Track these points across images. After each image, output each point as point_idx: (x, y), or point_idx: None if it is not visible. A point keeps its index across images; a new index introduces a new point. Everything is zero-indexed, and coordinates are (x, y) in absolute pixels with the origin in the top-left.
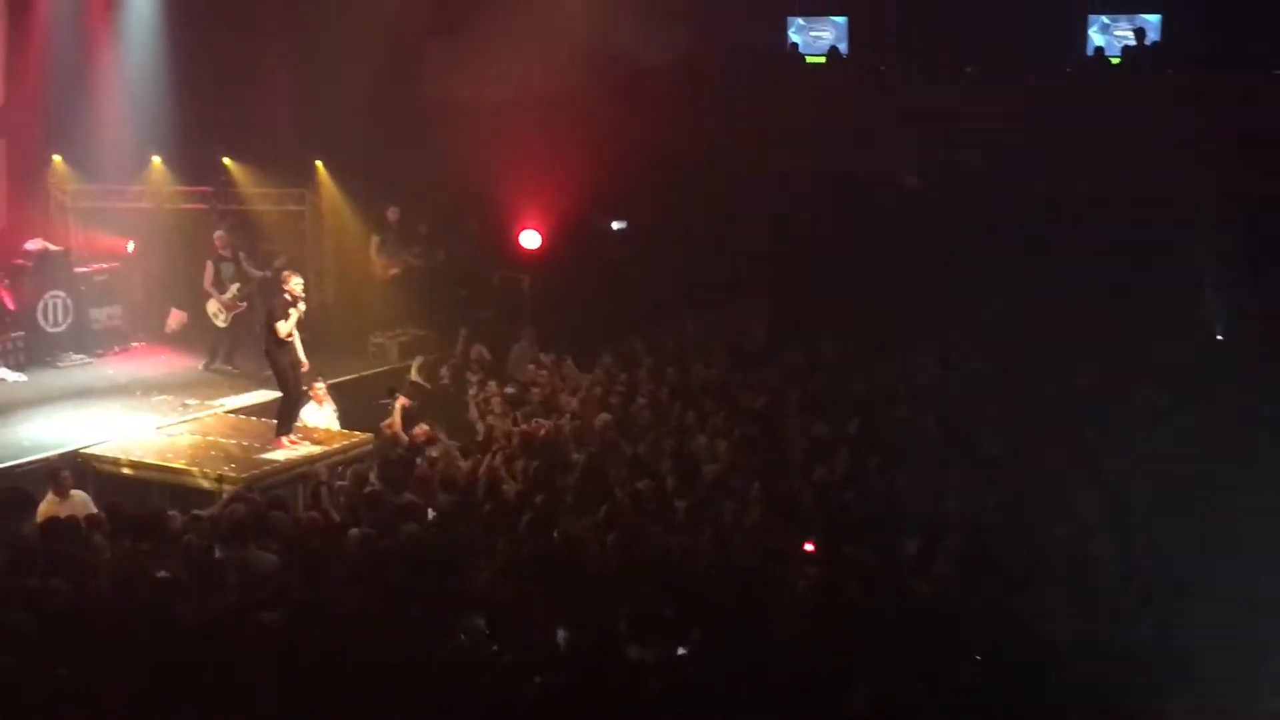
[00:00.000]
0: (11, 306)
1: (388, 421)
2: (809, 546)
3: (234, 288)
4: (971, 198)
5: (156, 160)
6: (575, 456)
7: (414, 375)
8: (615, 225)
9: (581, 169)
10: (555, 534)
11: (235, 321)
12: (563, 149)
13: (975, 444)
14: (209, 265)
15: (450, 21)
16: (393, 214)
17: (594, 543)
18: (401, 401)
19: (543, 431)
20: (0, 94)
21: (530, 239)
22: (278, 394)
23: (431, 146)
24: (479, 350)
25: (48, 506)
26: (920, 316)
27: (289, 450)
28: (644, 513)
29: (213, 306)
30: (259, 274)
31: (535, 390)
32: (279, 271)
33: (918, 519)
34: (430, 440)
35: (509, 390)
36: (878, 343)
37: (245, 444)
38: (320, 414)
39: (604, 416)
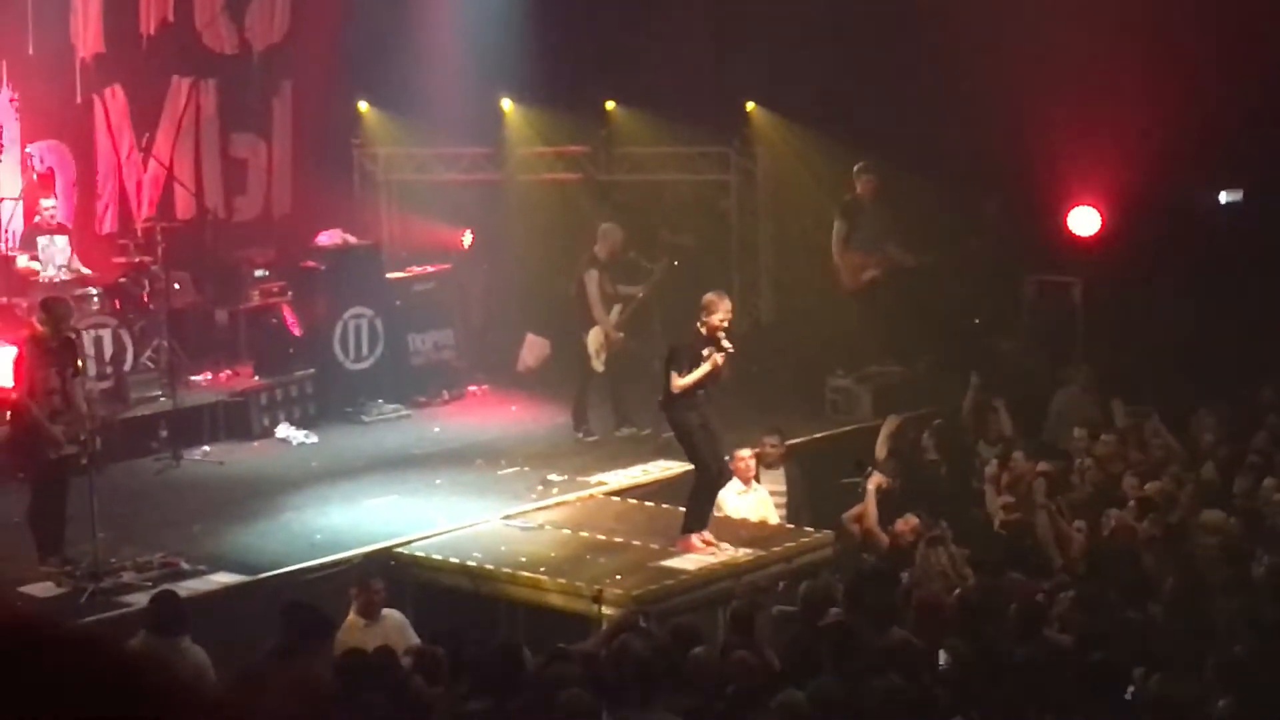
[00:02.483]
0: (297, 332)
1: (856, 512)
2: None
3: (616, 310)
4: None
5: (508, 107)
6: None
7: (886, 440)
8: (1224, 196)
9: (1168, 109)
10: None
11: (612, 361)
12: (1137, 76)
13: None
14: (592, 274)
15: None
16: (866, 184)
17: None
18: (877, 482)
19: (1108, 532)
20: (285, 19)
21: (1085, 221)
22: (686, 468)
23: (927, 76)
24: (996, 409)
25: (349, 632)
26: None
27: (703, 555)
28: None
29: (594, 338)
30: (634, 290)
31: (1089, 467)
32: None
33: None
34: (923, 539)
35: (1045, 467)
36: None
37: (637, 544)
38: (750, 499)
39: (1212, 515)
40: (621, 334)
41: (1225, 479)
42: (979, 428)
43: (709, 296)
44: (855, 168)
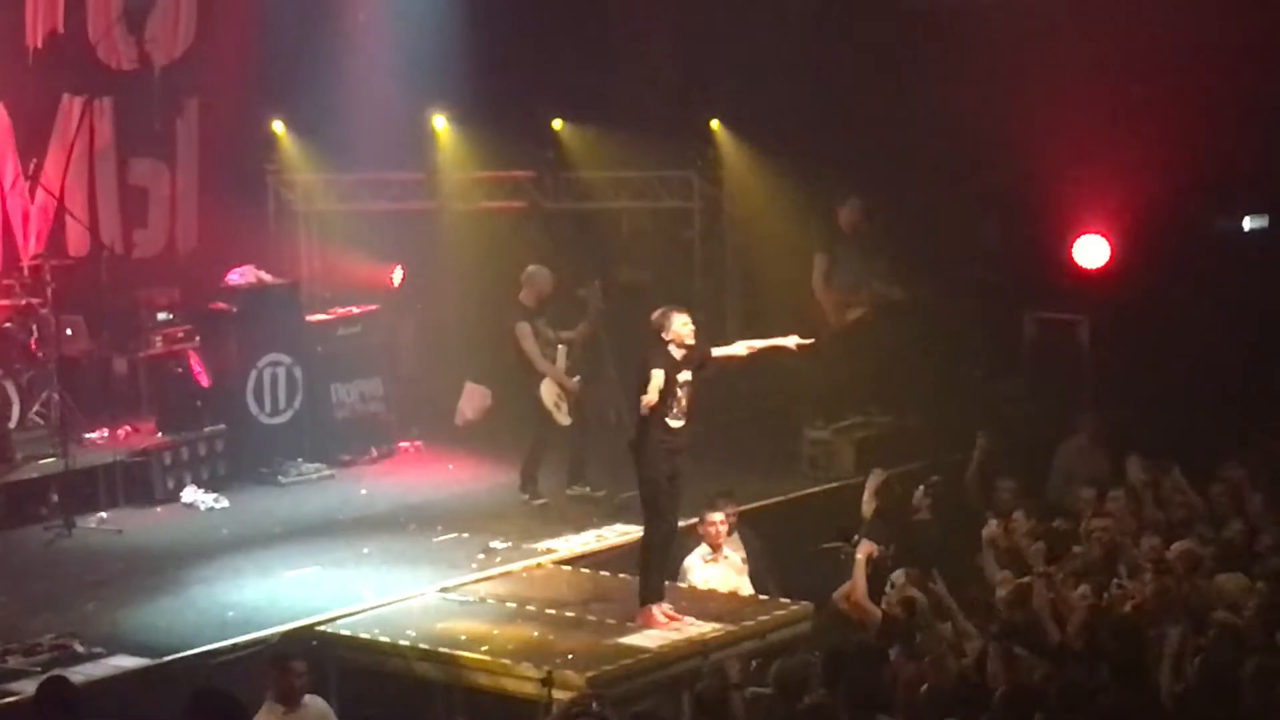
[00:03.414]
0: (205, 383)
1: (847, 589)
2: None
3: (563, 354)
4: None
5: (442, 127)
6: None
7: (872, 498)
8: (1249, 223)
9: (1183, 127)
10: None
11: (578, 411)
12: (1152, 91)
13: None
14: (523, 328)
15: None
16: (850, 213)
17: None
18: (867, 551)
19: (1127, 605)
20: (190, 29)
21: (1092, 251)
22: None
23: (915, 93)
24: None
25: None
26: None
27: (666, 630)
28: None
29: (549, 391)
30: (582, 326)
31: (1099, 528)
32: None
33: None
34: (914, 609)
35: (1054, 525)
36: None
37: (592, 619)
38: (719, 568)
39: (1234, 579)
40: (578, 378)
41: (1250, 539)
42: (985, 497)
43: (655, 314)
44: (838, 195)
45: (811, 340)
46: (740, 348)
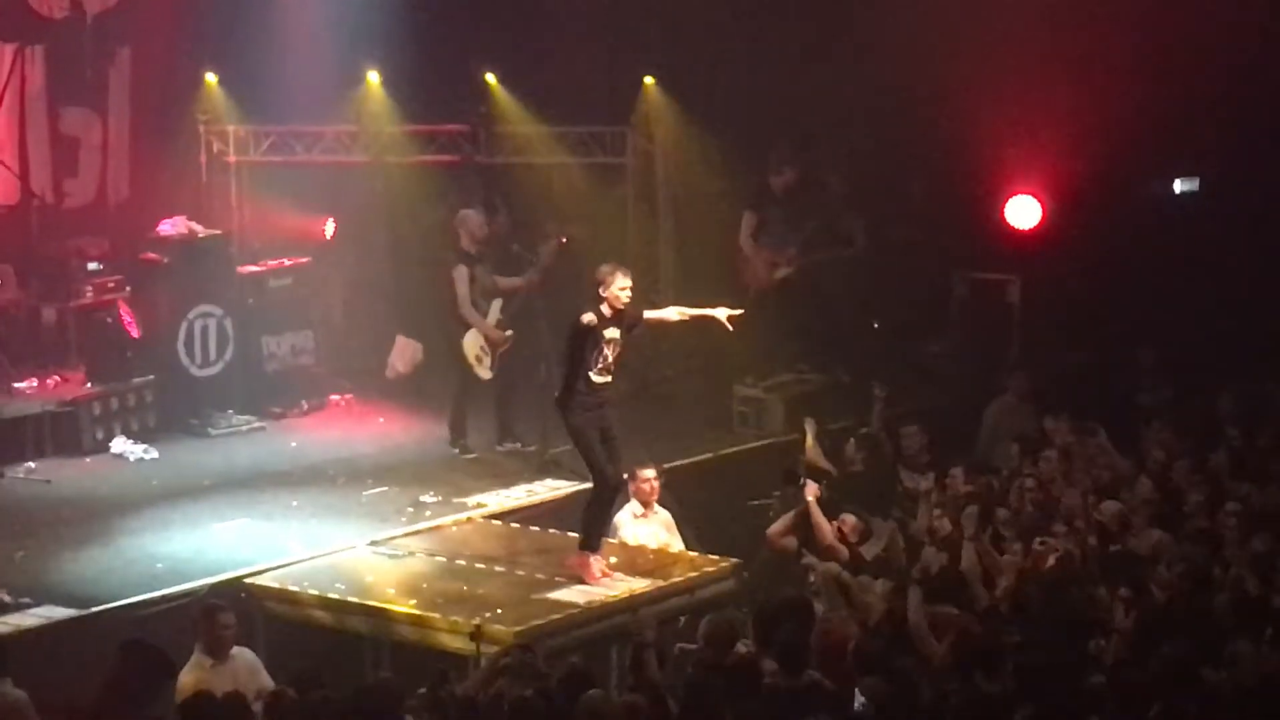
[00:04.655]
0: (135, 333)
1: (783, 526)
2: None
3: (496, 307)
4: None
5: (373, 80)
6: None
7: (809, 451)
8: (1180, 185)
9: (1116, 88)
10: None
11: (504, 365)
12: (1081, 51)
13: None
14: (461, 271)
15: None
16: (781, 173)
17: None
18: (814, 492)
19: (1052, 559)
20: None
21: (1023, 212)
22: (580, 486)
23: (845, 47)
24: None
25: (195, 674)
26: None
27: (596, 585)
28: None
29: (472, 342)
30: (529, 275)
31: (1029, 485)
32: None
33: None
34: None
35: (975, 484)
36: None
37: (521, 574)
38: (650, 525)
39: (1157, 535)
40: (510, 333)
41: (1175, 499)
42: (893, 446)
43: (603, 268)
44: (769, 154)
45: (740, 311)
46: (672, 313)
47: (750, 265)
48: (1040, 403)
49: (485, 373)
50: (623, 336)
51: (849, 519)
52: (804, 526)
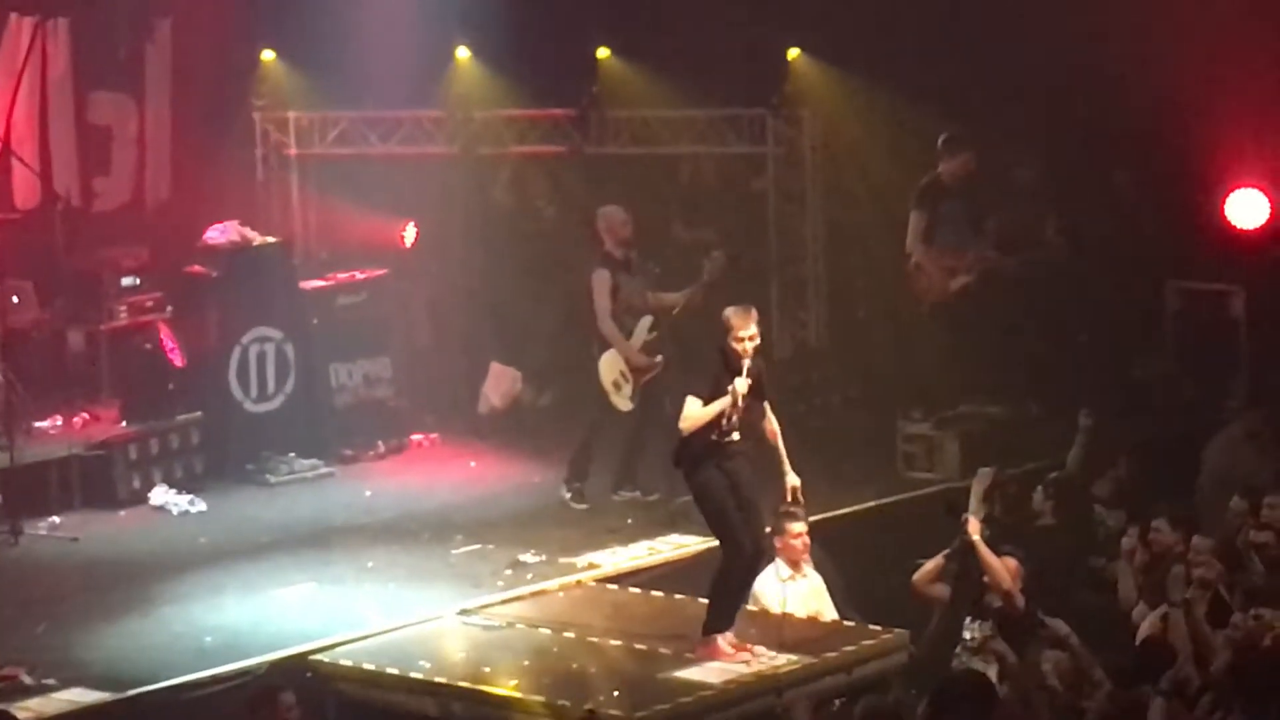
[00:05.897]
0: (179, 362)
1: (930, 570)
2: None
3: (644, 325)
4: None
5: (463, 56)
6: None
7: (980, 504)
8: None
9: None
10: None
11: (647, 397)
12: None
13: None
14: (601, 275)
15: None
16: (955, 161)
17: None
18: (976, 527)
19: (1268, 640)
20: None
21: (1248, 208)
22: (712, 543)
23: (1035, 15)
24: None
25: None
26: None
27: (732, 663)
28: None
29: (611, 365)
30: (690, 291)
31: (1265, 542)
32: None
33: None
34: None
35: (1199, 543)
36: None
37: (641, 648)
38: (799, 587)
39: None
40: (660, 359)
41: None
42: (1094, 485)
43: (727, 312)
44: (940, 139)
45: (798, 483)
46: (768, 431)
47: (922, 273)
48: (1277, 443)
49: (624, 403)
50: (746, 397)
51: (1010, 561)
52: (961, 570)
